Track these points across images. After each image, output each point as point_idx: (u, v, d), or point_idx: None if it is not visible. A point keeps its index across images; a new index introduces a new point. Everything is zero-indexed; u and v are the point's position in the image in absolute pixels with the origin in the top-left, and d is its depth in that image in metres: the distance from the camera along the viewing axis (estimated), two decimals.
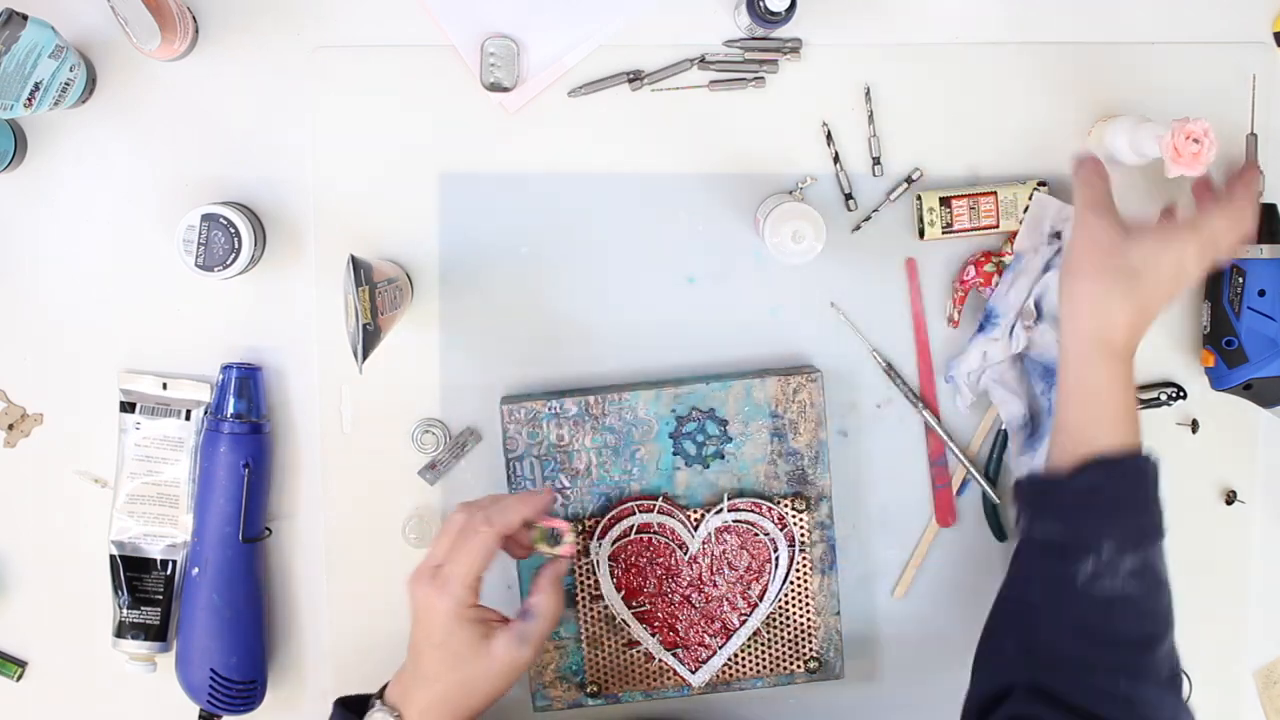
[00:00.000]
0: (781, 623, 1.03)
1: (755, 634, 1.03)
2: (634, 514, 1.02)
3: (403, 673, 0.92)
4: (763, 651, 1.04)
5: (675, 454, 1.02)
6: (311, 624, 1.07)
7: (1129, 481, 0.90)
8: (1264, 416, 1.07)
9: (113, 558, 1.04)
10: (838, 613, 1.04)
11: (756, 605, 1.03)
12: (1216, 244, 0.92)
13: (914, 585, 1.08)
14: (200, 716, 1.04)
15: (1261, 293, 1.02)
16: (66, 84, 0.96)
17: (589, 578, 1.03)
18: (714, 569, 1.03)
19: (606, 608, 1.03)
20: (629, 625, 1.03)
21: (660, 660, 1.03)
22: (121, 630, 1.04)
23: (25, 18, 0.88)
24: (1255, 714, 1.11)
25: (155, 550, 1.05)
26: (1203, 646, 1.10)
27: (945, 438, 1.06)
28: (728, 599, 1.03)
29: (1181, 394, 1.07)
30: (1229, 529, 1.09)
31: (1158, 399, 1.06)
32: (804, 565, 1.03)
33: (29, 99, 0.92)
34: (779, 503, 1.03)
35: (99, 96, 1.03)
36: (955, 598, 1.08)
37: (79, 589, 1.06)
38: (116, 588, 1.04)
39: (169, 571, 1.05)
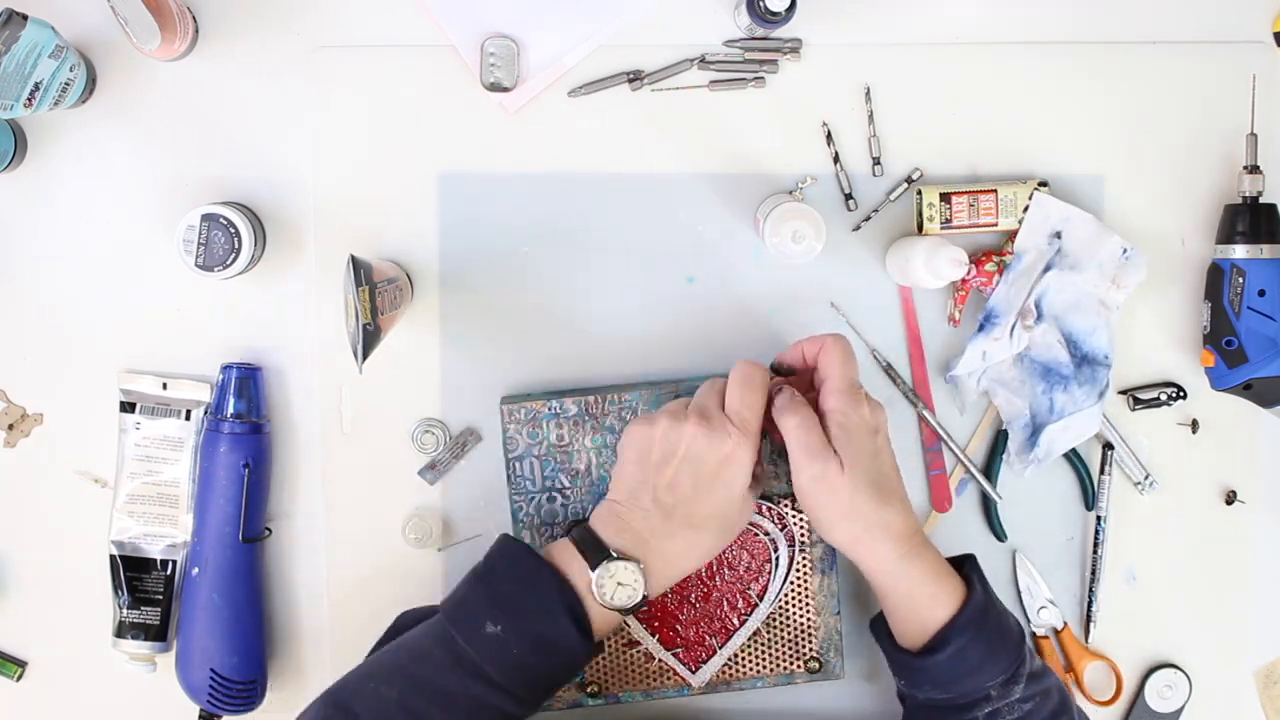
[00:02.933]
0: (781, 623, 1.03)
1: (755, 634, 1.03)
2: None
3: (629, 519, 0.90)
4: (763, 651, 1.03)
5: None
6: (311, 624, 1.07)
7: (985, 628, 0.91)
8: (1264, 416, 1.07)
9: (113, 558, 1.04)
10: (838, 613, 1.03)
11: (756, 605, 1.02)
12: (854, 390, 0.92)
13: None
14: (200, 716, 1.04)
15: (1261, 293, 1.02)
16: (66, 84, 0.96)
17: None
18: (714, 569, 1.02)
19: None
20: (629, 625, 1.03)
21: (660, 660, 1.03)
22: (121, 630, 1.04)
23: (25, 18, 0.88)
24: (1255, 714, 1.11)
25: (155, 550, 1.05)
26: (1203, 646, 1.10)
27: (946, 437, 1.06)
28: (727, 599, 1.02)
29: (1181, 394, 1.07)
30: (1229, 529, 1.09)
31: (1158, 399, 1.06)
32: (804, 565, 1.03)
33: (29, 99, 0.92)
34: (779, 502, 1.02)
35: (99, 96, 1.03)
36: None
37: (79, 589, 1.06)
38: (116, 588, 1.04)
39: (169, 571, 1.05)
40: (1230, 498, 1.08)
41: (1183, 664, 1.10)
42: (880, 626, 0.98)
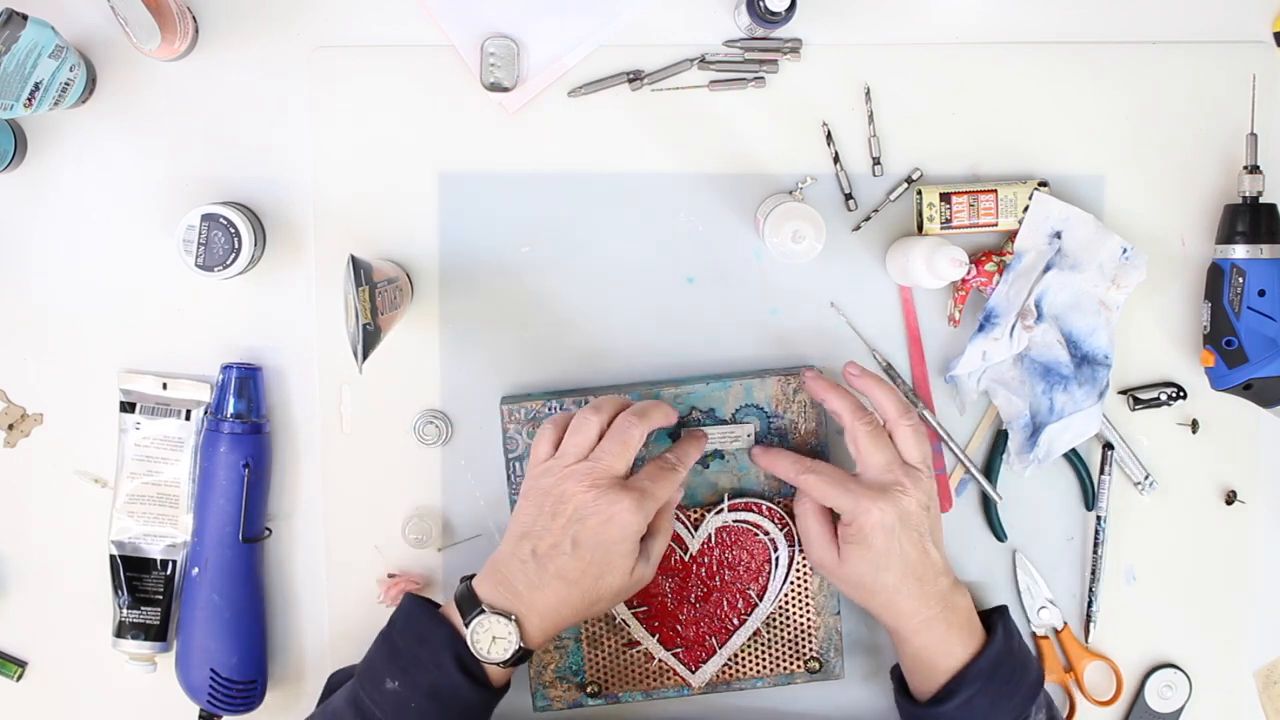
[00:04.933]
0: (781, 623, 1.03)
1: (755, 634, 1.03)
2: None
3: (507, 572, 0.90)
4: (763, 651, 1.03)
5: None
6: (311, 624, 1.07)
7: (997, 679, 0.92)
8: (1264, 416, 1.07)
9: (113, 558, 1.04)
10: (838, 613, 1.03)
11: (756, 605, 1.03)
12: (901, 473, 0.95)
13: None
14: (200, 716, 1.04)
15: (1261, 293, 1.02)
16: (66, 84, 0.96)
17: None
18: (714, 569, 1.02)
19: None
20: (629, 625, 1.03)
21: (660, 660, 1.03)
22: (121, 630, 1.04)
23: (25, 18, 0.88)
24: (1255, 714, 1.11)
25: (155, 550, 1.05)
26: (1203, 646, 1.10)
27: (946, 437, 1.06)
28: (727, 598, 1.03)
29: (1181, 394, 1.07)
30: (1229, 529, 1.09)
31: (1158, 399, 1.06)
32: (803, 565, 1.03)
33: (29, 99, 0.92)
34: (779, 502, 1.02)
35: (99, 96, 1.03)
36: None
37: (79, 589, 1.06)
38: (116, 588, 1.04)
39: (169, 571, 1.04)
40: (1230, 498, 1.08)
41: (1183, 664, 1.10)
42: (898, 675, 0.99)
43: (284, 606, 1.07)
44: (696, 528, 1.03)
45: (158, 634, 1.05)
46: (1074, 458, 1.07)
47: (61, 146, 1.03)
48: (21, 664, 1.07)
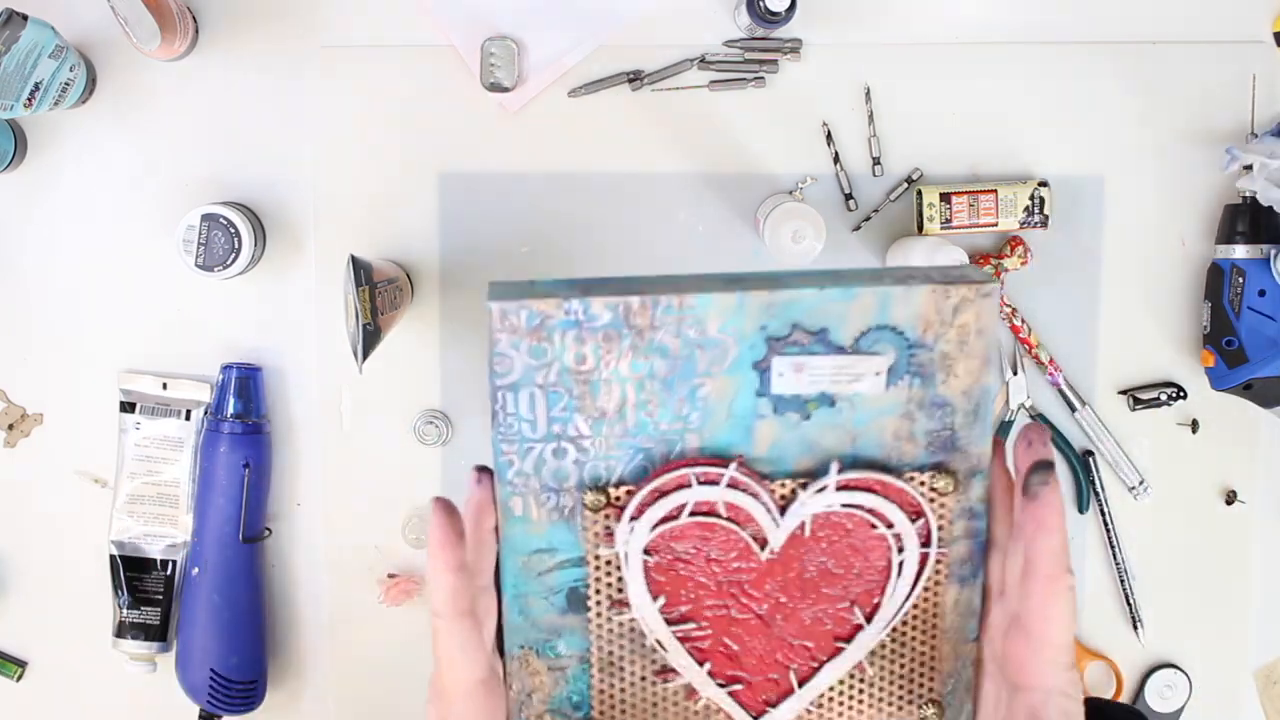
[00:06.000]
0: (895, 652, 0.68)
1: (856, 669, 0.68)
2: (690, 485, 0.65)
3: None
4: (863, 693, 0.69)
5: (761, 395, 0.64)
6: (311, 624, 1.07)
7: None
8: (1264, 416, 1.07)
9: (113, 558, 1.04)
10: (976, 638, 0.68)
11: (862, 628, 0.67)
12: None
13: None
14: (200, 716, 1.04)
15: (1261, 293, 1.02)
16: (66, 84, 0.96)
17: (610, 574, 0.66)
18: (803, 573, 0.66)
19: (633, 620, 0.68)
20: (664, 647, 0.67)
21: (708, 700, 0.68)
22: (121, 630, 1.04)
23: (25, 18, 0.88)
24: (1255, 714, 1.11)
25: (155, 550, 1.05)
26: (1203, 646, 1.10)
27: None
28: (819, 617, 0.67)
29: (1181, 394, 1.07)
30: (1229, 529, 1.09)
31: (1158, 399, 1.06)
32: (940, 572, 0.67)
33: (29, 99, 0.92)
34: (912, 479, 0.65)
35: (99, 96, 1.03)
36: None
37: (79, 589, 1.06)
38: (116, 588, 1.04)
39: (169, 571, 1.05)
40: (1230, 498, 1.08)
41: (1183, 664, 1.10)
42: None
43: (284, 606, 1.07)
44: (784, 511, 0.66)
45: (158, 634, 1.05)
46: (1073, 459, 1.07)
47: (61, 146, 1.03)
48: (21, 664, 1.07)
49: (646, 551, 0.67)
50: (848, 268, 0.75)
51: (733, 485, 0.66)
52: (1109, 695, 1.09)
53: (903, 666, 0.69)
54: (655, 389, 0.65)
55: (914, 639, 0.69)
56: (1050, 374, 1.06)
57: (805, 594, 0.67)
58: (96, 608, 1.06)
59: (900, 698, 0.70)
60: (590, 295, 0.63)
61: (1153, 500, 1.08)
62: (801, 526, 0.66)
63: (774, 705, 0.69)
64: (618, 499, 0.66)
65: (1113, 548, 1.07)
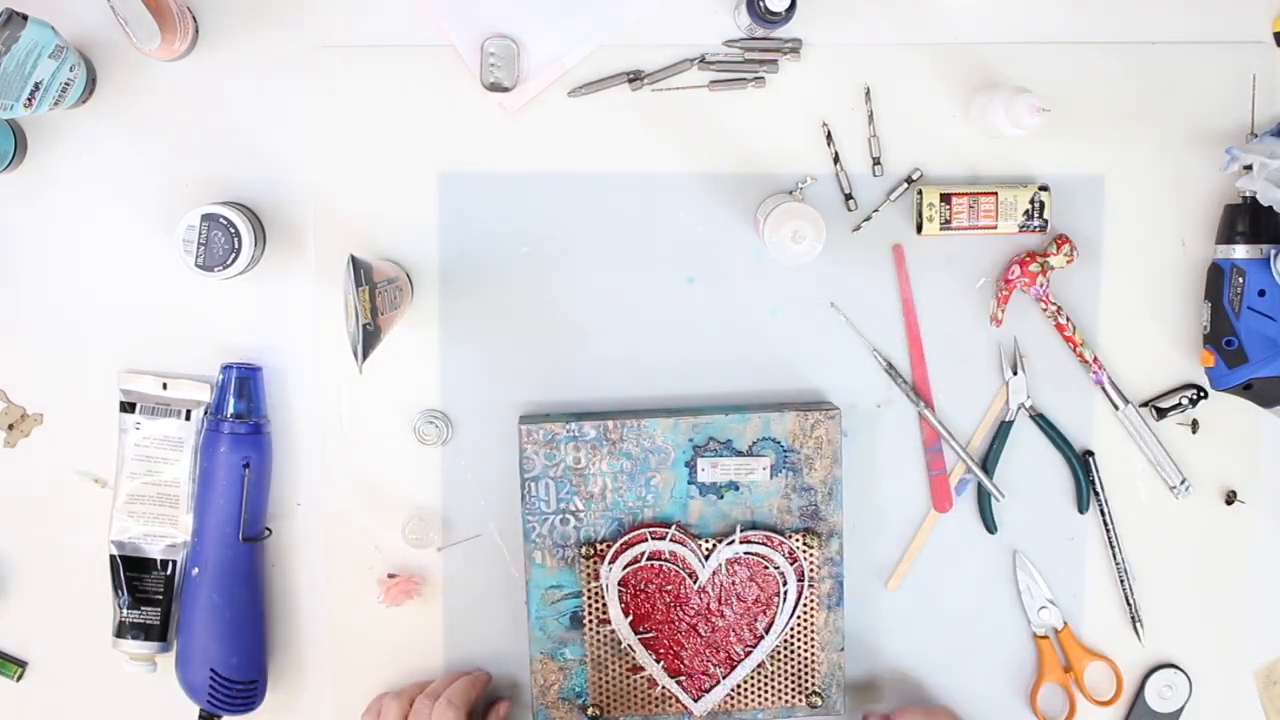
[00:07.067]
0: (786, 656, 1.04)
1: (759, 666, 1.03)
2: (646, 541, 1.02)
3: None
4: (766, 684, 1.04)
5: (690, 483, 1.02)
6: (311, 624, 1.07)
7: None
8: (1264, 416, 1.07)
9: (113, 558, 1.04)
10: (842, 649, 1.04)
11: (762, 638, 1.03)
12: None
13: (909, 577, 1.08)
14: (200, 716, 1.04)
15: (1261, 293, 1.02)
16: (66, 84, 0.96)
17: (598, 601, 1.03)
18: (723, 599, 1.03)
19: (613, 632, 1.03)
20: (634, 650, 1.03)
21: (663, 687, 1.03)
22: (121, 630, 1.04)
23: (25, 18, 0.88)
24: (1255, 714, 1.11)
25: (155, 550, 1.05)
26: (1203, 646, 1.10)
27: (946, 434, 1.06)
28: (734, 630, 1.03)
29: (1202, 394, 1.06)
30: (1229, 529, 1.09)
31: (1179, 404, 1.06)
32: (811, 600, 1.03)
33: (29, 99, 0.92)
34: (791, 536, 1.02)
35: (99, 96, 1.03)
36: (949, 594, 1.09)
37: (79, 589, 1.06)
38: (116, 588, 1.04)
39: (169, 571, 1.05)
40: (1230, 498, 1.08)
41: (1183, 664, 1.10)
42: None
43: (284, 606, 1.07)
44: (708, 558, 1.03)
45: (158, 634, 1.05)
46: (1073, 460, 1.07)
47: (61, 146, 1.03)
48: (21, 664, 1.07)
49: (620, 584, 1.03)
50: (746, 403, 1.05)
51: (675, 540, 1.02)
52: (1109, 695, 1.09)
53: (792, 666, 1.04)
54: (624, 479, 1.02)
55: (798, 647, 1.04)
56: (1094, 373, 1.06)
57: (723, 613, 1.03)
58: (96, 608, 1.06)
59: (792, 688, 1.05)
60: (582, 420, 1.02)
61: (1153, 500, 1.08)
62: (719, 567, 1.03)
63: (708, 691, 1.04)
64: (601, 550, 1.03)
65: (1113, 548, 1.08)
